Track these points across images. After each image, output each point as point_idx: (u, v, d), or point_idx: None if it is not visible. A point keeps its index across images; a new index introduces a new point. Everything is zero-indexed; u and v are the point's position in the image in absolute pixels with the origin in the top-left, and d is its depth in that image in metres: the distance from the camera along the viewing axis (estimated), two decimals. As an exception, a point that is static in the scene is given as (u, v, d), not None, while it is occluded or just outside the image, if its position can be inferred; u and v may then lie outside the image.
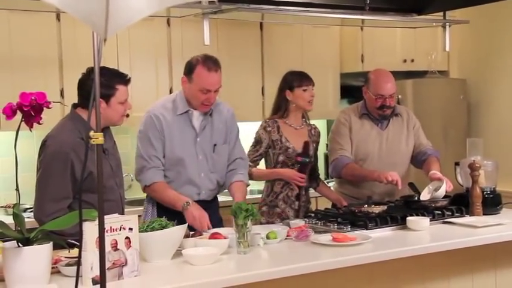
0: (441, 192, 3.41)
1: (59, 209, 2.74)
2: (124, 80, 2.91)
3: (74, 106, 2.93)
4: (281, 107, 3.72)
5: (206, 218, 3.06)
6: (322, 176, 4.93)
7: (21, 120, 2.23)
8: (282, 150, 3.64)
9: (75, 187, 2.74)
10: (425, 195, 3.49)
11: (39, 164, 2.84)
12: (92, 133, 1.61)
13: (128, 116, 3.01)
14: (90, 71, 2.86)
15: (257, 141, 3.68)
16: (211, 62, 3.20)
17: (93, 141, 1.60)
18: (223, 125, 3.36)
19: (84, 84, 2.82)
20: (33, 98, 2.18)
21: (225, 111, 3.40)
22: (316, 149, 3.82)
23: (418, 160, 3.82)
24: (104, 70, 2.84)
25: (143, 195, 4.10)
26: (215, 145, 3.33)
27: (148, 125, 3.23)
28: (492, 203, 3.47)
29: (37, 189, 2.83)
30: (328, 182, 5.06)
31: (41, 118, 2.26)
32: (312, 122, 3.92)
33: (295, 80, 3.69)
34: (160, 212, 3.22)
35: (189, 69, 3.22)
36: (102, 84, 2.75)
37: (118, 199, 3.01)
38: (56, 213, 2.71)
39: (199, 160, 3.28)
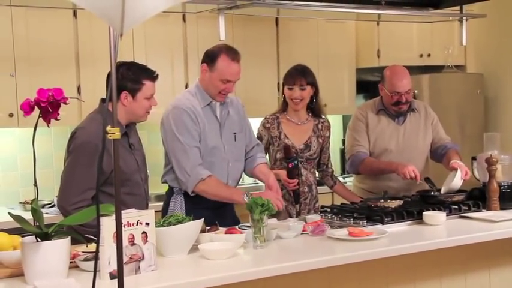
0: (456, 181, 3.40)
1: (82, 199, 2.79)
2: (151, 75, 2.96)
3: (103, 100, 2.99)
4: (283, 102, 3.73)
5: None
6: (337, 171, 4.93)
7: (39, 116, 2.25)
8: (280, 147, 3.62)
9: (101, 179, 2.78)
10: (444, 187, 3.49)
11: (67, 154, 2.90)
12: (108, 128, 1.62)
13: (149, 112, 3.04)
14: (120, 65, 2.91)
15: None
16: (234, 53, 3.21)
17: (110, 136, 1.61)
18: (237, 114, 3.40)
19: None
20: (50, 94, 2.19)
21: (235, 100, 3.45)
22: (325, 143, 3.78)
23: (438, 154, 3.81)
24: (132, 65, 2.95)
25: (159, 191, 4.12)
26: (235, 134, 3.36)
27: (185, 118, 3.17)
28: (509, 198, 3.45)
29: (63, 178, 2.89)
30: (344, 178, 5.07)
31: (58, 114, 2.28)
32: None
33: (286, 76, 3.69)
34: (189, 205, 3.23)
35: (211, 58, 3.21)
36: (129, 78, 2.86)
37: (143, 194, 3.05)
38: (79, 203, 2.77)
39: (226, 150, 3.30)
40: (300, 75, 3.63)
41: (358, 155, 3.73)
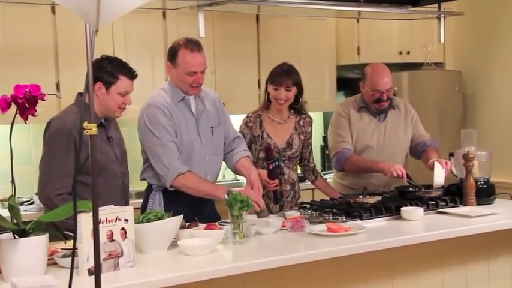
0: (438, 176, 3.44)
1: (64, 185, 2.80)
2: (129, 72, 2.98)
3: (80, 94, 3.02)
4: (265, 100, 3.72)
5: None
6: (318, 168, 4.96)
7: (16, 113, 2.24)
8: (263, 147, 3.62)
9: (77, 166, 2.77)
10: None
11: (44, 144, 2.93)
12: (85, 124, 1.62)
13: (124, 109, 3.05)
14: (104, 58, 2.95)
15: None
16: (193, 44, 3.19)
17: (87, 132, 1.61)
18: (213, 108, 3.39)
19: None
20: (27, 90, 2.18)
21: (211, 93, 3.44)
22: (307, 139, 3.78)
23: (418, 151, 3.84)
24: (114, 60, 2.99)
25: (139, 188, 4.11)
26: (212, 128, 3.35)
27: (159, 114, 3.17)
28: (486, 193, 3.49)
29: (41, 167, 2.91)
30: (324, 174, 5.09)
31: (35, 110, 2.27)
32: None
33: (272, 75, 3.66)
34: (168, 201, 3.22)
35: (173, 54, 3.22)
36: (106, 70, 2.91)
37: (121, 187, 3.06)
38: (61, 189, 2.79)
39: (203, 145, 3.30)
40: (286, 76, 3.59)
41: (343, 152, 3.75)
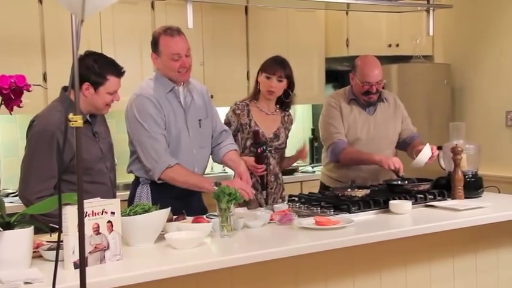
0: (423, 157, 3.45)
1: (44, 188, 2.76)
2: (117, 71, 2.91)
3: (65, 88, 2.95)
4: (255, 90, 3.72)
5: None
6: (307, 160, 4.98)
7: (1, 104, 2.21)
8: (250, 135, 3.62)
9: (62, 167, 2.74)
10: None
11: (26, 143, 2.87)
12: (70, 115, 1.60)
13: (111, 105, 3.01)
14: (88, 54, 2.88)
15: (225, 124, 3.59)
16: (172, 29, 3.19)
17: (72, 124, 1.58)
18: (201, 100, 3.37)
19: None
20: (12, 80, 2.15)
21: (198, 86, 3.42)
22: (286, 135, 3.79)
23: (406, 144, 3.86)
24: (100, 57, 2.89)
25: (127, 180, 4.09)
26: (200, 120, 3.33)
27: (149, 105, 3.14)
28: (474, 187, 3.50)
29: (22, 168, 2.86)
30: (313, 167, 5.10)
31: (21, 101, 2.24)
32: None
33: (265, 64, 3.66)
34: (156, 194, 3.20)
35: (154, 44, 3.21)
36: (93, 71, 2.82)
37: (108, 183, 3.02)
38: (41, 192, 2.74)
39: (191, 137, 3.27)
40: (280, 66, 3.61)
41: (338, 143, 3.73)
